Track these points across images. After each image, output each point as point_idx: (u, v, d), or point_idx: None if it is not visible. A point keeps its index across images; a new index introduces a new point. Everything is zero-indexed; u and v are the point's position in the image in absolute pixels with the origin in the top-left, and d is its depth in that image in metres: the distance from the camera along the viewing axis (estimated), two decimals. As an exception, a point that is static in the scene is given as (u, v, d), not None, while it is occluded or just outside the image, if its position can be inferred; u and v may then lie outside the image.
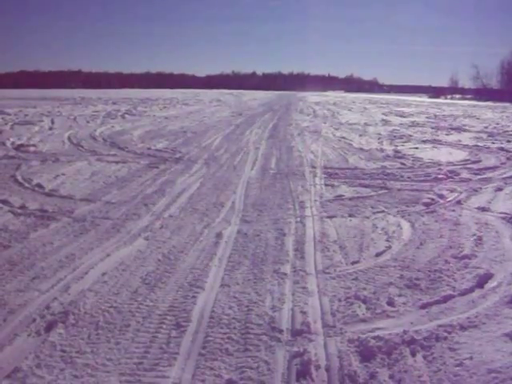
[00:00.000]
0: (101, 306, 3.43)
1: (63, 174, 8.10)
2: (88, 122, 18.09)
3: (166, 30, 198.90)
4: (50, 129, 15.50)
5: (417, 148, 12.02)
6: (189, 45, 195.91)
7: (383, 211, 6.05)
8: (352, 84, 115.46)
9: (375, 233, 5.19)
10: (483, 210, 6.15)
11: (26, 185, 7.27)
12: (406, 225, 5.47)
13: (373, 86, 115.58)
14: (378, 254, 4.50)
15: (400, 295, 3.66)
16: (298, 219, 5.67)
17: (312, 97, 57.09)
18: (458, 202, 6.56)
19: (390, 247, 4.70)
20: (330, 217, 5.78)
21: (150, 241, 4.86)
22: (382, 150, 11.41)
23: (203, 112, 25.54)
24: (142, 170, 8.70)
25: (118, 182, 7.65)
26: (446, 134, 15.62)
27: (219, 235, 5.02)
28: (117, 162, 9.36)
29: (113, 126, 16.42)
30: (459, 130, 17.35)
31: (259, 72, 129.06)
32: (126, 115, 21.77)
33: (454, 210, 6.13)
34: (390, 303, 3.50)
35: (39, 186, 7.20)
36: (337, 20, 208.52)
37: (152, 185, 7.43)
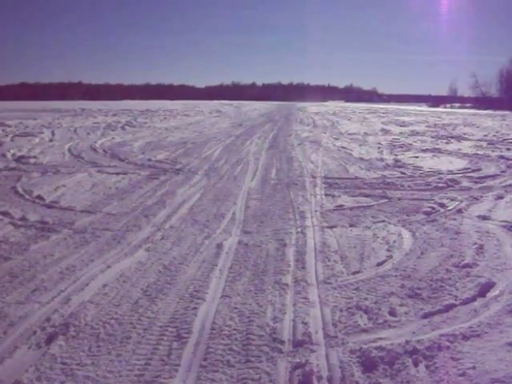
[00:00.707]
0: (102, 318, 3.42)
1: (64, 186, 8.10)
2: (88, 133, 18.12)
3: (165, 42, 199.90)
4: (51, 140, 15.52)
5: (417, 157, 12.02)
6: (188, 56, 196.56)
7: (384, 221, 6.04)
8: (351, 94, 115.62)
9: (376, 242, 5.18)
10: (484, 218, 6.14)
11: (27, 196, 7.28)
12: (406, 234, 5.46)
13: (372, 96, 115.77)
14: (379, 264, 4.49)
15: (402, 305, 3.65)
16: (299, 229, 5.66)
17: (311, 107, 57.17)
18: (459, 211, 6.56)
19: (391, 257, 4.69)
20: (331, 227, 5.78)
21: (150, 252, 4.85)
22: (382, 160, 11.42)
23: (203, 123, 25.58)
24: (143, 181, 8.71)
25: (118, 193, 7.66)
26: (446, 143, 15.62)
27: (220, 246, 5.01)
28: (117, 174, 9.37)
29: (113, 138, 16.44)
30: (459, 138, 17.37)
31: (259, 83, 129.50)
32: (127, 126, 21.80)
33: (454, 219, 6.13)
34: (392, 313, 3.49)
35: (40, 197, 7.20)
36: (336, 30, 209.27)
37: (152, 196, 7.43)
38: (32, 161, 11.01)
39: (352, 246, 5.06)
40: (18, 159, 11.17)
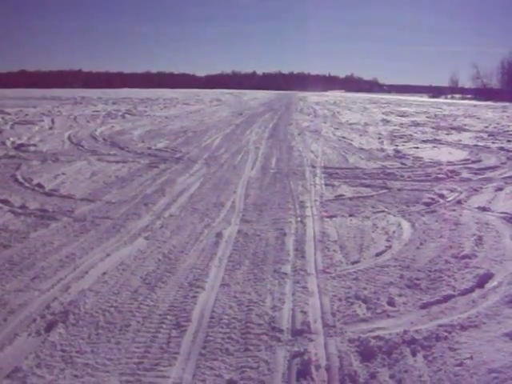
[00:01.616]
0: (101, 306, 3.43)
1: (63, 174, 8.09)
2: (88, 121, 18.07)
3: (166, 30, 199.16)
4: (50, 128, 15.49)
5: (417, 148, 12.02)
6: (189, 45, 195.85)
7: (383, 211, 6.04)
8: (352, 84, 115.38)
9: (375, 232, 5.19)
10: (483, 209, 6.15)
11: (27, 184, 7.27)
12: (406, 224, 5.47)
13: (373, 86, 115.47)
14: (378, 254, 4.50)
15: (400, 295, 3.66)
16: (299, 219, 5.66)
17: (312, 96, 57.07)
18: (459, 202, 6.56)
19: (390, 247, 4.70)
20: (331, 216, 5.78)
21: (150, 240, 4.86)
22: (382, 150, 11.41)
23: (203, 112, 25.54)
24: (143, 169, 8.70)
25: (118, 181, 7.65)
26: (447, 134, 15.61)
27: (219, 235, 5.02)
28: (117, 162, 9.35)
29: (113, 126, 16.40)
30: (459, 129, 17.35)
31: (259, 72, 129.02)
32: (127, 115, 21.76)
33: (454, 210, 6.13)
34: (391, 303, 3.50)
35: (39, 185, 7.20)
36: (337, 20, 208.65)
37: (152, 184, 7.42)
38: (32, 149, 10.99)
39: (351, 236, 5.06)
40: (18, 147, 11.16)
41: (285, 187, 7.35)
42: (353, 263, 4.30)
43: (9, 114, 20.64)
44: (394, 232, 5.19)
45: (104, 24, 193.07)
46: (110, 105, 29.98)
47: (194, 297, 3.58)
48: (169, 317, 3.28)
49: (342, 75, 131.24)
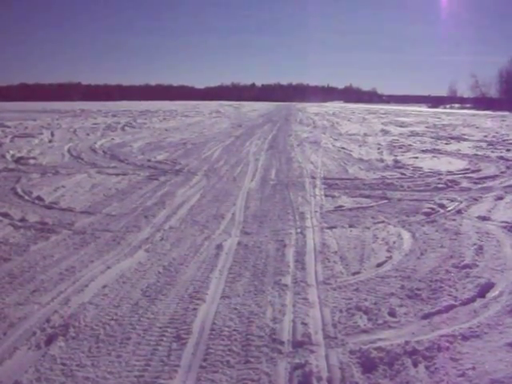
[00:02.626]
0: (101, 319, 3.42)
1: (63, 187, 8.10)
2: (88, 134, 18.12)
3: (165, 43, 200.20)
4: (50, 141, 15.53)
5: (416, 158, 12.03)
6: (188, 57, 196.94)
7: (383, 221, 6.04)
8: (351, 94, 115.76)
9: (376, 243, 5.18)
10: (484, 219, 6.14)
11: (26, 197, 7.28)
12: (406, 235, 5.46)
13: (372, 97, 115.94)
14: (378, 265, 4.49)
15: (401, 306, 3.64)
16: (299, 230, 5.66)
17: (311, 107, 57.25)
18: (459, 212, 6.56)
19: (390, 257, 4.69)
20: (331, 227, 5.77)
21: (150, 253, 4.85)
22: (381, 160, 11.43)
23: (203, 124, 25.60)
24: (142, 182, 8.71)
25: (118, 194, 7.65)
26: (446, 144, 15.64)
27: (219, 247, 5.01)
28: (117, 175, 9.36)
29: (113, 139, 16.44)
30: (459, 139, 17.39)
31: (258, 83, 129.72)
32: (126, 127, 21.81)
33: (454, 220, 6.13)
34: (392, 314, 3.49)
35: (39, 198, 7.20)
36: (336, 30, 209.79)
37: (152, 197, 7.42)
38: (31, 162, 11.00)
39: (352, 247, 5.05)
40: (18, 160, 11.17)
41: (285, 198, 7.35)
42: (353, 274, 4.29)
43: (8, 127, 20.69)
44: (394, 242, 5.18)
45: (103, 37, 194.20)
46: (109, 117, 30.07)
47: (195, 309, 3.56)
48: (169, 329, 3.26)
49: (340, 86, 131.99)
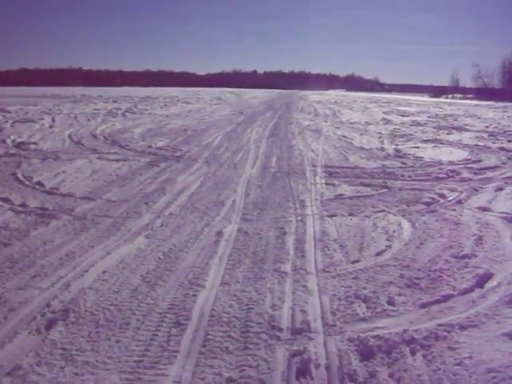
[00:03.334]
0: (101, 304, 3.43)
1: (64, 172, 8.10)
2: (89, 120, 18.08)
3: (166, 28, 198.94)
4: (51, 127, 15.50)
5: (418, 147, 12.01)
6: (189, 43, 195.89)
7: (384, 210, 6.05)
8: (353, 83, 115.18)
9: (376, 232, 5.19)
10: (484, 209, 6.15)
11: (27, 183, 7.28)
12: (406, 224, 5.47)
13: (374, 85, 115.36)
14: (378, 254, 4.51)
15: (400, 294, 3.66)
16: (299, 218, 5.67)
17: (313, 95, 57.03)
18: (459, 202, 6.56)
19: (390, 246, 4.70)
20: (331, 216, 5.78)
21: (150, 239, 4.86)
22: (382, 149, 11.42)
23: (204, 110, 25.52)
24: (143, 168, 8.71)
25: (118, 180, 7.65)
26: (447, 134, 15.61)
27: (220, 234, 5.02)
28: (117, 160, 9.36)
29: (113, 124, 16.41)
30: (460, 129, 17.34)
31: (260, 70, 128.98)
32: (127, 113, 21.75)
33: (454, 210, 6.13)
34: (390, 302, 3.51)
35: (40, 183, 7.20)
36: (338, 19, 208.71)
37: (153, 183, 7.43)
38: (32, 147, 10.99)
39: (351, 235, 5.07)
40: (18, 145, 11.16)
41: (285, 186, 7.35)
42: (353, 262, 4.31)
43: (9, 112, 20.63)
44: (394, 231, 5.19)
45: (104, 22, 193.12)
46: (110, 103, 29.97)
47: (194, 295, 3.58)
48: (169, 315, 3.28)
49: (342, 74, 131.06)
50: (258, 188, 7.22)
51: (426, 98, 62.41)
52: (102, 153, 10.35)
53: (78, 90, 52.80)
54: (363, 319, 3.27)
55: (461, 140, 13.85)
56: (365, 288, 3.76)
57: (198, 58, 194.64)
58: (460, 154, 11.02)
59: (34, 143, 11.51)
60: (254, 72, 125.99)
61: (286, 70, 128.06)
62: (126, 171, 8.37)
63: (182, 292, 3.65)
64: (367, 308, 3.44)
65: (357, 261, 4.34)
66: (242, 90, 74.68)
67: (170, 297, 3.57)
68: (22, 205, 6.03)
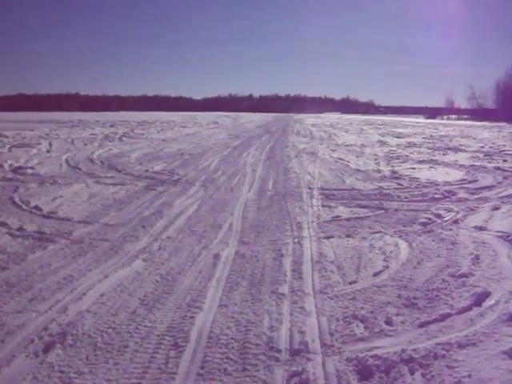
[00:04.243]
0: (99, 327, 3.43)
1: (61, 197, 8.12)
2: (86, 144, 18.16)
3: (162, 53, 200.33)
4: (48, 151, 15.57)
5: (414, 168, 12.08)
6: (186, 68, 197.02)
7: (380, 231, 6.07)
8: (348, 106, 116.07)
9: (373, 253, 5.20)
10: (480, 229, 6.17)
11: (24, 207, 7.29)
12: (403, 244, 5.49)
13: (369, 108, 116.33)
14: (375, 274, 4.51)
15: (398, 314, 3.66)
16: (296, 240, 5.68)
17: (309, 119, 57.39)
18: (455, 222, 6.59)
19: (387, 267, 4.71)
20: (328, 237, 5.80)
21: (147, 262, 4.86)
22: (378, 171, 11.47)
23: (200, 134, 25.65)
24: (140, 192, 8.72)
25: (115, 204, 7.67)
26: (443, 154, 15.70)
27: (217, 256, 5.02)
28: (114, 185, 9.39)
29: (110, 149, 16.48)
30: (456, 150, 17.46)
31: (256, 94, 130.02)
32: (124, 138, 21.86)
33: (451, 230, 6.16)
34: (388, 322, 3.51)
35: (37, 208, 7.21)
36: (332, 42, 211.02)
37: (150, 207, 7.44)
38: (29, 171, 11.03)
39: (349, 257, 5.08)
40: (16, 170, 11.20)
41: (282, 209, 7.37)
42: (350, 283, 4.31)
43: (6, 136, 20.74)
44: (391, 252, 5.20)
45: (100, 47, 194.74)
46: (107, 128, 30.14)
47: (192, 317, 3.58)
48: (167, 337, 3.28)
49: (337, 97, 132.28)
50: (255, 211, 7.23)
51: (421, 120, 62.89)
52: (99, 177, 10.39)
53: (75, 115, 53.12)
54: (361, 339, 3.27)
55: (456, 160, 13.94)
56: (362, 308, 3.76)
57: (195, 83, 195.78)
58: (456, 175, 11.07)
59: (32, 168, 11.55)
60: (250, 96, 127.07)
61: (282, 93, 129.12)
62: (123, 195, 8.39)
63: (179, 314, 3.65)
64: (365, 328, 3.43)
65: (354, 281, 4.34)
66: (238, 113, 75.14)
67: (168, 319, 3.57)
68: (20, 229, 6.03)
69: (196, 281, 4.35)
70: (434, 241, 5.66)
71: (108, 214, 6.92)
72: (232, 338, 3.27)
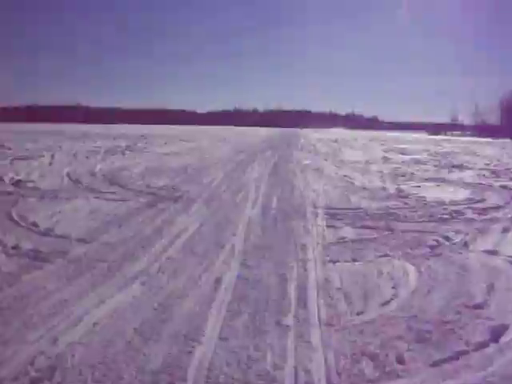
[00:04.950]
0: (90, 361, 3.21)
1: (60, 212, 7.94)
2: (88, 157, 18.07)
3: (167, 67, 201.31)
4: (50, 164, 15.49)
5: (419, 186, 11.89)
6: (190, 81, 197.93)
7: (387, 254, 5.85)
8: (353, 121, 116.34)
9: (380, 279, 4.98)
10: (491, 253, 5.95)
11: (22, 223, 7.11)
12: (411, 270, 5.26)
13: (373, 123, 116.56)
14: (384, 303, 4.28)
15: (409, 350, 3.44)
16: (300, 263, 5.45)
17: (313, 134, 57.42)
18: (465, 245, 6.37)
19: (396, 295, 4.48)
20: (333, 261, 5.57)
21: (146, 286, 4.65)
22: (384, 189, 11.28)
23: (204, 149, 25.54)
24: (141, 208, 8.53)
25: (115, 221, 7.47)
26: (449, 172, 15.53)
27: (218, 281, 4.80)
28: (115, 200, 9.21)
29: (113, 162, 16.36)
30: (461, 167, 17.29)
31: (261, 109, 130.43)
32: (127, 151, 21.77)
33: (460, 253, 5.94)
34: (399, 360, 3.28)
35: (34, 224, 7.03)
36: (338, 58, 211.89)
37: (150, 225, 7.24)
38: (30, 185, 10.90)
39: (355, 283, 4.84)
40: (16, 183, 11.08)
41: (286, 229, 7.15)
42: (358, 314, 4.08)
43: (10, 148, 20.76)
44: (399, 278, 4.98)
45: (105, 60, 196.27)
46: (110, 141, 30.12)
47: (190, 352, 3.36)
48: (162, 375, 3.06)
49: (342, 112, 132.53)
50: (258, 231, 7.01)
51: (424, 136, 62.92)
52: (100, 192, 10.22)
53: (79, 127, 53.24)
54: (371, 381, 3.05)
55: (462, 178, 13.77)
56: (371, 343, 3.54)
57: (199, 96, 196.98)
58: (463, 193, 10.87)
59: (32, 181, 11.43)
60: (255, 110, 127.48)
61: (287, 108, 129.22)
62: (123, 212, 8.20)
63: (177, 347, 3.43)
64: (375, 367, 3.21)
65: (362, 312, 4.11)
66: (242, 128, 75.35)
67: (165, 353, 3.35)
68: (15, 247, 5.83)
69: (195, 308, 4.13)
70: (443, 266, 5.43)
71: (107, 232, 6.72)
72: (232, 378, 3.05)
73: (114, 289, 4.55)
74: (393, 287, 4.70)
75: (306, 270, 5.24)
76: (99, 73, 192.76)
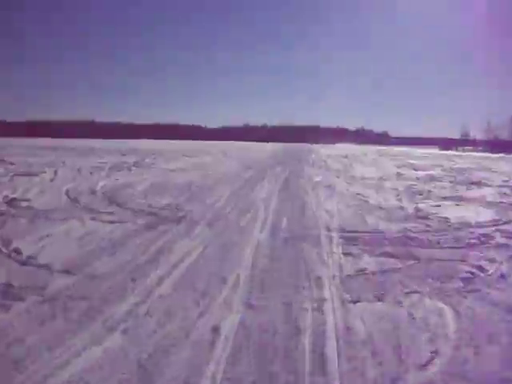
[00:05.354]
0: None
1: (48, 236, 7.19)
2: (92, 173, 17.42)
3: (176, 83, 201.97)
4: (51, 180, 14.90)
5: (439, 205, 11.05)
6: (199, 96, 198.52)
7: (416, 291, 5.01)
8: (363, 136, 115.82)
9: (413, 326, 4.11)
10: (536, 287, 5.11)
11: (3, 249, 6.36)
12: (448, 312, 4.41)
13: (383, 139, 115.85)
14: (422, 365, 3.41)
15: None
16: (315, 305, 4.60)
17: (323, 149, 56.73)
18: (502, 277, 5.55)
19: (436, 352, 3.61)
20: (354, 301, 4.72)
21: (128, 336, 3.84)
22: (401, 208, 10.46)
23: (211, 165, 24.80)
24: (139, 231, 7.74)
25: (108, 246, 6.69)
26: (467, 189, 14.69)
27: (216, 329, 3.97)
28: (112, 222, 8.42)
29: (117, 179, 15.65)
30: (479, 184, 16.44)
31: (270, 124, 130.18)
32: (133, 167, 21.12)
33: (498, 289, 5.10)
34: None
35: (16, 251, 6.28)
36: (347, 73, 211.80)
37: (146, 252, 6.44)
38: (24, 204, 10.22)
39: (383, 333, 3.97)
40: (10, 202, 10.40)
41: (297, 257, 6.32)
42: (392, 381, 3.23)
43: (13, 163, 20.28)
44: (436, 325, 4.12)
45: (114, 75, 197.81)
46: (117, 156, 29.55)
47: None
48: None
49: (352, 128, 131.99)
50: (266, 260, 6.17)
51: (435, 151, 62.12)
52: (98, 212, 9.46)
53: (86, 142, 52.94)
54: None
55: (483, 196, 12.93)
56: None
57: (208, 112, 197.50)
58: (486, 214, 10.02)
59: (27, 200, 10.75)
60: (264, 126, 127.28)
61: (297, 123, 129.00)
62: (119, 235, 7.42)
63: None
64: None
65: (397, 378, 3.26)
66: (251, 143, 74.84)
67: None
68: (-16, 280, 5.07)
69: (185, 371, 3.31)
70: (484, 306, 4.60)
71: (96, 261, 5.95)
72: None
73: (90, 340, 3.75)
74: (430, 340, 3.84)
75: (322, 313, 4.39)
76: (110, 88, 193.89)
